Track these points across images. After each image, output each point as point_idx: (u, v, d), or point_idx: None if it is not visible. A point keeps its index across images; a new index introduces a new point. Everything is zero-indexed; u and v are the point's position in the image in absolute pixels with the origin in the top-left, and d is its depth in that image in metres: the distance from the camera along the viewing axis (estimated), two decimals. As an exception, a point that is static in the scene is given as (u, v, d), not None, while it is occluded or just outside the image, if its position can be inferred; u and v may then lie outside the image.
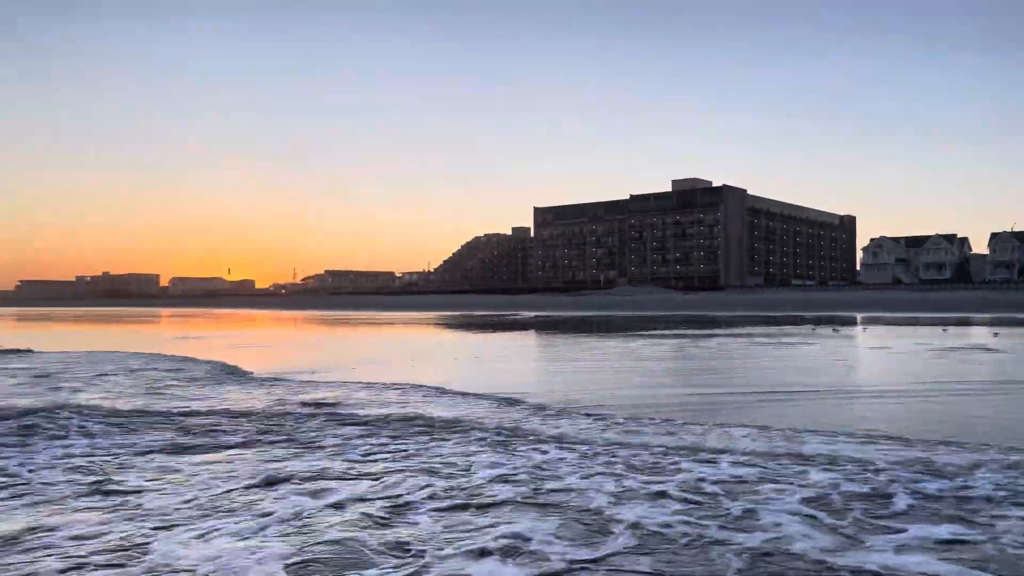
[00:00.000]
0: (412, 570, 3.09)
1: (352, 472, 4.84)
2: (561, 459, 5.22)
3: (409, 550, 3.33)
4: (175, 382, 10.37)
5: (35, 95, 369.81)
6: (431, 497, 4.25)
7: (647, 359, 14.19)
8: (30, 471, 4.86)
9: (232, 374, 11.50)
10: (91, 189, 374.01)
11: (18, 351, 16.66)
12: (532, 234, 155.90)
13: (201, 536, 3.56)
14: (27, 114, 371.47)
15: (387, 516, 3.85)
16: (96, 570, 3.10)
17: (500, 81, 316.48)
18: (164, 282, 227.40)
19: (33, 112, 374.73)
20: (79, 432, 6.11)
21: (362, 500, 4.11)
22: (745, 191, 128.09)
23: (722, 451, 5.47)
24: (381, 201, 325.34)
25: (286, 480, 4.63)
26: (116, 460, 5.22)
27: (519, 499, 4.22)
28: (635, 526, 3.72)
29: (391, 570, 3.10)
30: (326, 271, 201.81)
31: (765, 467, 4.97)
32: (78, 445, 5.67)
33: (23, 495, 4.28)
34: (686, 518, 3.90)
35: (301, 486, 4.47)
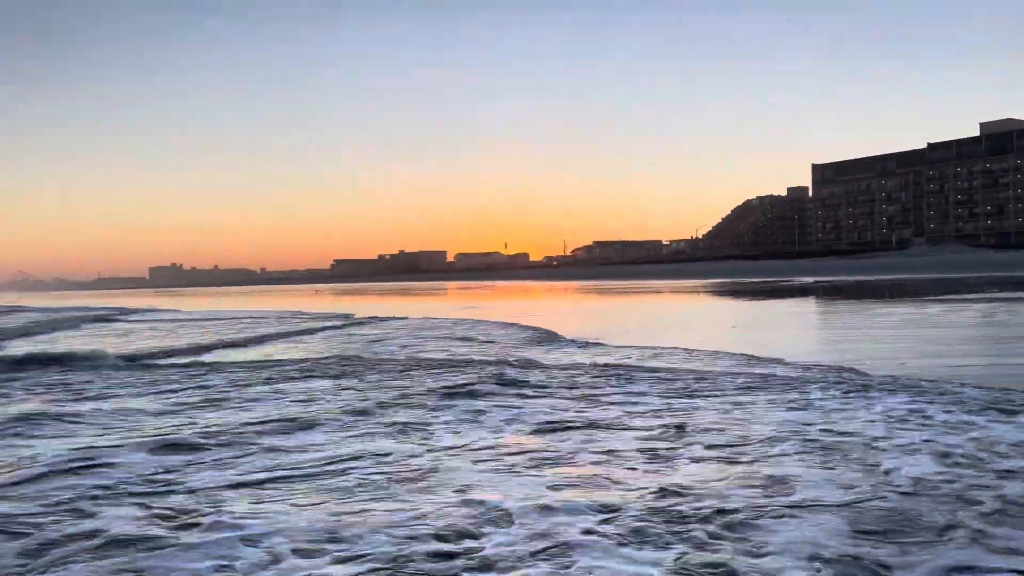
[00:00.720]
0: (661, 504, 3.35)
1: (625, 424, 5.23)
2: (850, 415, 5.20)
3: (663, 491, 3.62)
4: (511, 343, 11.80)
5: (332, 98, 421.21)
6: (706, 448, 4.49)
7: (948, 326, 12.90)
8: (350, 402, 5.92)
9: (550, 338, 12.57)
10: (385, 175, 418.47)
11: (372, 318, 19.55)
12: (810, 193, 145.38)
13: (476, 464, 4.23)
14: (321, 115, 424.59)
15: (649, 462, 4.19)
16: (391, 485, 3.84)
17: (768, 33, 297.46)
18: (450, 257, 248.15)
19: (326, 113, 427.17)
20: (395, 376, 7.26)
21: (626, 451, 4.46)
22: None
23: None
24: (647, 169, 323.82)
25: (567, 427, 5.17)
26: (433, 403, 6.13)
27: (796, 452, 4.34)
28: (904, 476, 3.74)
29: (639, 507, 3.40)
30: (595, 242, 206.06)
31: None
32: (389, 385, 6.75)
33: (346, 429, 5.22)
34: (962, 471, 3.81)
35: (580, 432, 4.99)
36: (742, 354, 9.27)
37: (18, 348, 12.95)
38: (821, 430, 4.86)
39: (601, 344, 11.10)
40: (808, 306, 21.19)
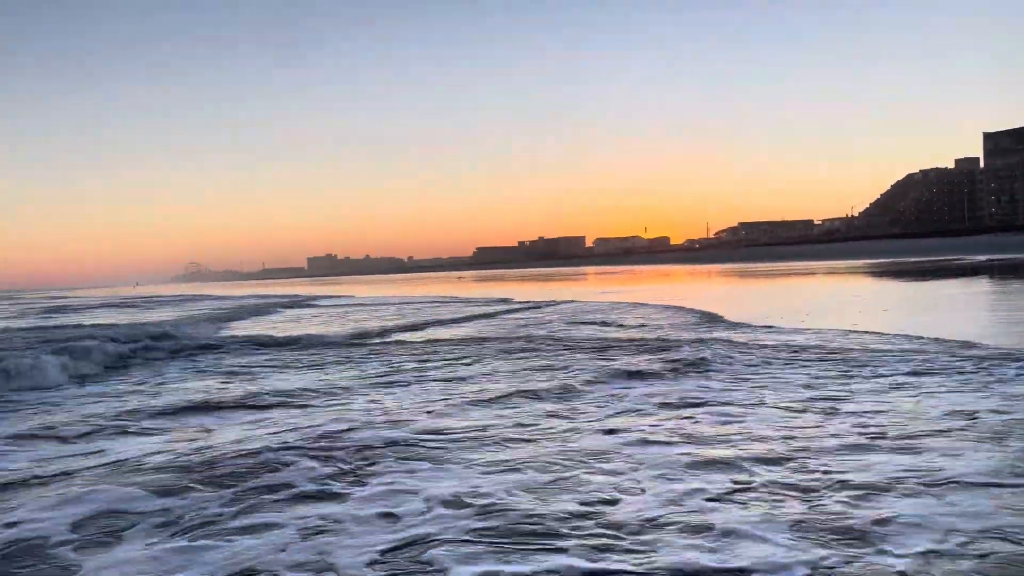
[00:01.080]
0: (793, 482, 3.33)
1: (778, 402, 5.17)
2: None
3: (798, 464, 3.58)
4: (674, 325, 11.81)
5: (473, 93, 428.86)
6: (854, 427, 4.38)
7: None
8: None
9: (712, 320, 12.38)
10: (525, 163, 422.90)
11: (528, 302, 20.26)
12: (981, 165, 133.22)
13: (611, 433, 4.50)
14: (470, 108, 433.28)
15: (792, 439, 4.15)
16: (533, 454, 3.97)
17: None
18: (589, 243, 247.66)
19: (467, 105, 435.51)
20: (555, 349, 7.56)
21: (772, 428, 4.46)
22: None
23: None
24: (795, 144, 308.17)
25: (698, 404, 5.26)
26: (600, 383, 6.30)
27: (957, 430, 4.20)
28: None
29: (772, 479, 3.39)
30: (739, 224, 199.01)
31: None
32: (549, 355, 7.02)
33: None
34: None
35: (713, 408, 5.08)
36: (916, 336, 8.75)
37: (242, 330, 14.61)
38: (993, 411, 4.61)
39: (766, 327, 10.76)
40: (984, 286, 19.57)
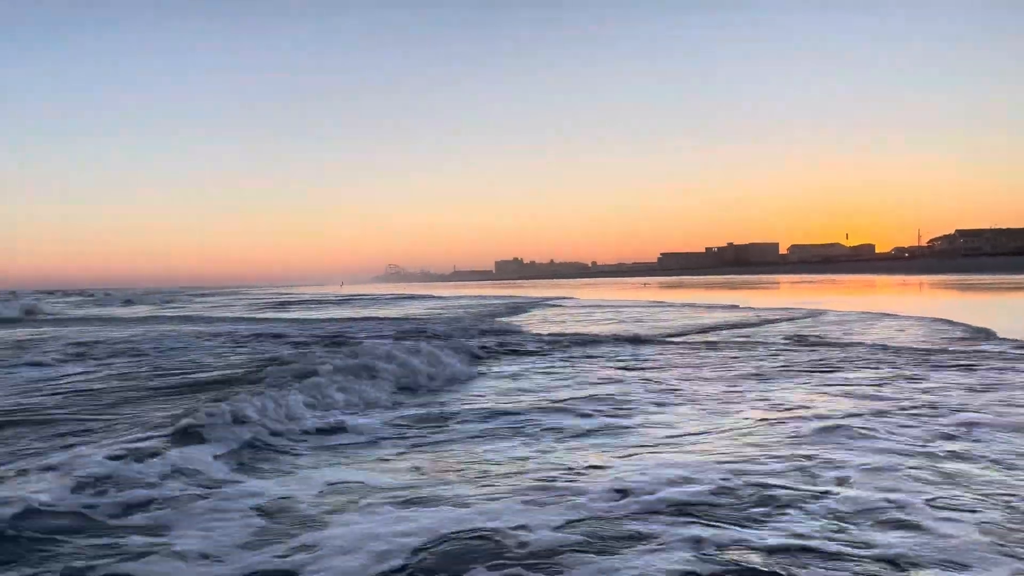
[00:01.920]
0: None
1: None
2: None
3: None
4: (943, 340, 11.23)
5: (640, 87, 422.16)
6: None
7: None
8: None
9: (988, 335, 11.60)
10: (711, 163, 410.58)
11: (752, 308, 20.57)
12: None
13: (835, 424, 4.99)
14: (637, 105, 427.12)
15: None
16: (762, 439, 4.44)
17: None
18: (783, 249, 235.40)
19: (648, 109, 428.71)
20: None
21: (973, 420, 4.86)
22: None
23: None
24: (1011, 135, 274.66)
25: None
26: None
27: None
28: None
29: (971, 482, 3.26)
30: (956, 231, 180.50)
31: None
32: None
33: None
34: None
35: (949, 417, 5.30)
36: None
37: (542, 328, 15.92)
38: None
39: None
40: None
